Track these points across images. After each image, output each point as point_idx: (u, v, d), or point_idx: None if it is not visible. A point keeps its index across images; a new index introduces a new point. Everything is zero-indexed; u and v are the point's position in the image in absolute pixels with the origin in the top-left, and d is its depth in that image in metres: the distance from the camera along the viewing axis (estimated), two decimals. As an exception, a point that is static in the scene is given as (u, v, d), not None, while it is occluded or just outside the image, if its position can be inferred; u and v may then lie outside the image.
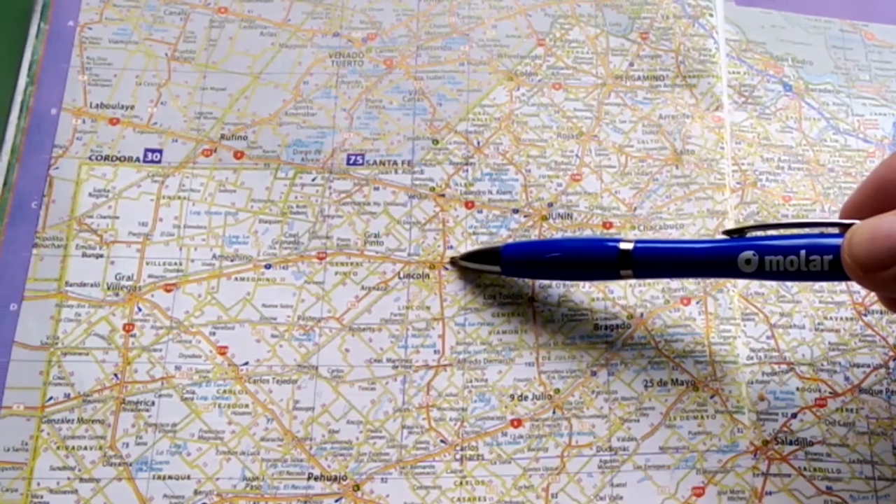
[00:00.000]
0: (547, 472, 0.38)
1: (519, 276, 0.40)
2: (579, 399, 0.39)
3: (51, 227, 0.40)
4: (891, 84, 0.46)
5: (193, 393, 0.38)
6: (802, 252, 0.34)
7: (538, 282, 0.40)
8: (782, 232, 0.35)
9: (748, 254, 0.35)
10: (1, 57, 0.45)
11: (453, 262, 0.41)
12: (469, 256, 0.40)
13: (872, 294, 0.40)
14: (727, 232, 0.36)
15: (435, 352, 0.39)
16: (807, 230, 0.35)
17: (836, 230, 0.34)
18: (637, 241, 0.37)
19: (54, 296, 0.39)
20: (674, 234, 0.41)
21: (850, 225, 0.33)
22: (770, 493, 0.37)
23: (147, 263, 0.40)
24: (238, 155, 0.42)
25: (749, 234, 0.36)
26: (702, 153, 0.43)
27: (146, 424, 0.38)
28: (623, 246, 0.37)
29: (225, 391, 0.38)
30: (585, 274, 0.39)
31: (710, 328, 0.40)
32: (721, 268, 0.36)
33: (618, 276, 0.37)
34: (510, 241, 0.41)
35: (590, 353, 0.39)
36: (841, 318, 0.41)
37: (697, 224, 0.42)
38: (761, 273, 0.35)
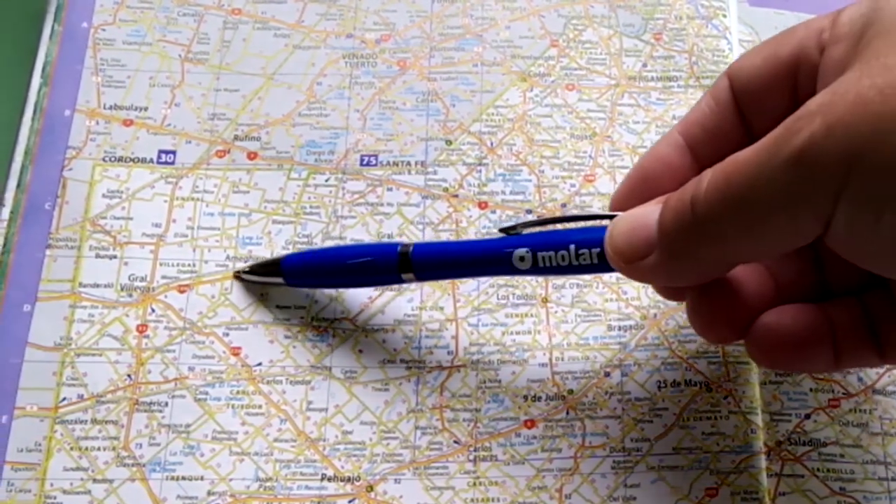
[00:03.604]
0: (560, 472, 0.38)
1: (304, 287, 0.40)
2: (592, 400, 0.39)
3: (64, 228, 0.40)
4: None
5: (207, 394, 0.38)
6: (572, 246, 0.33)
7: (552, 281, 0.40)
8: (557, 227, 0.35)
9: (522, 251, 0.34)
10: (15, 58, 0.45)
11: (237, 276, 0.40)
12: (252, 270, 0.40)
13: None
14: (504, 230, 0.36)
15: (448, 353, 0.39)
16: (580, 224, 0.35)
17: (606, 222, 0.34)
18: (416, 244, 0.36)
19: (68, 297, 0.39)
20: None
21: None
22: (783, 494, 0.37)
23: (160, 264, 0.40)
24: (251, 156, 0.42)
25: (525, 231, 0.35)
26: (714, 154, 0.43)
27: (159, 425, 0.38)
28: (402, 249, 0.36)
29: (238, 392, 0.38)
30: (369, 279, 0.38)
31: (724, 329, 0.40)
32: (498, 266, 0.35)
33: (400, 280, 0.37)
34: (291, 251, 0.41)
35: (603, 354, 0.39)
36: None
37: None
38: (536, 269, 0.34)
